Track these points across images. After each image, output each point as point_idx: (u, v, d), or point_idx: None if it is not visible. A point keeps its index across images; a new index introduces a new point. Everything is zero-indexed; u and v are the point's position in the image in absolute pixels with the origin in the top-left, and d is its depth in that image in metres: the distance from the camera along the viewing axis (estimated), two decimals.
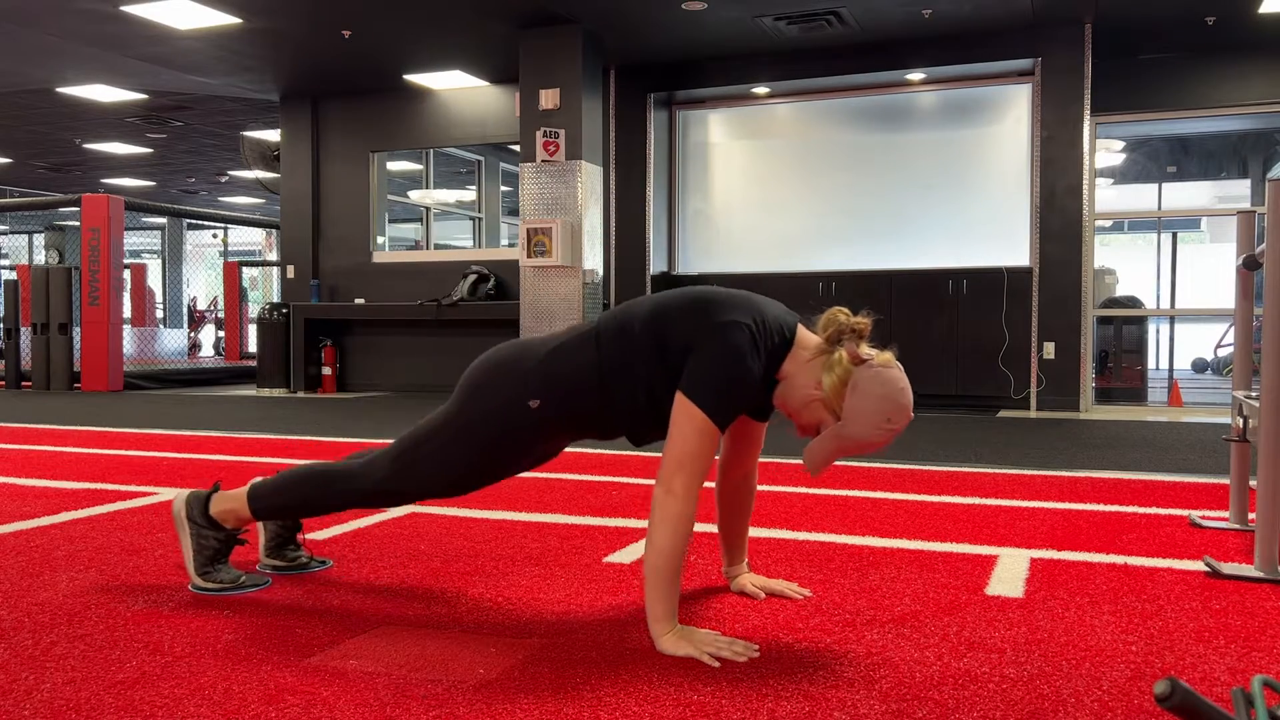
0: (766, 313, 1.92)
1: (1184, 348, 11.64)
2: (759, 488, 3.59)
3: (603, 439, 2.07)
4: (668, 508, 1.82)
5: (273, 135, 10.30)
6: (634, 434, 1.99)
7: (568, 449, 4.75)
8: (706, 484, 3.42)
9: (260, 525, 2.35)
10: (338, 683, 1.66)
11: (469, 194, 11.87)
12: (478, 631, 1.94)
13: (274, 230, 14.08)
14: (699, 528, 2.88)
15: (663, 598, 1.82)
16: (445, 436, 2.01)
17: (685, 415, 1.83)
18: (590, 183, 7.30)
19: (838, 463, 4.26)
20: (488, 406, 1.98)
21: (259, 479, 2.23)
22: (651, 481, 3.77)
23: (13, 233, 17.31)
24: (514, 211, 10.03)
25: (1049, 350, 7.14)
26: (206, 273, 19.62)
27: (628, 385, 1.92)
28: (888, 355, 1.88)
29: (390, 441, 2.11)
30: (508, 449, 2.00)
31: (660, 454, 1.85)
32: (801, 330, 1.95)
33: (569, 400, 1.95)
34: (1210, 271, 11.74)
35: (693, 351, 1.86)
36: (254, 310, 12.44)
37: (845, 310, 1.92)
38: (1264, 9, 6.42)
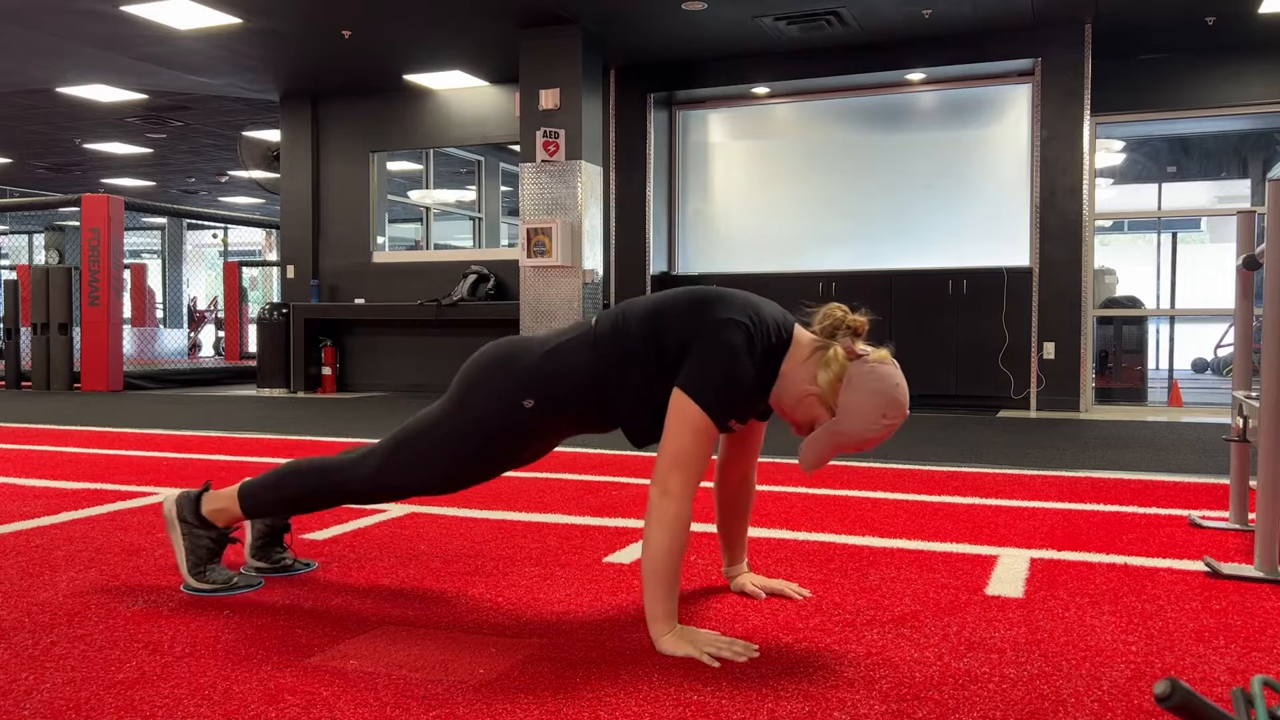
0: (764, 312, 1.92)
1: (1184, 348, 11.64)
2: (759, 488, 3.59)
3: (599, 433, 2.07)
4: (665, 509, 1.81)
5: (273, 135, 10.29)
6: (632, 434, 1.99)
7: (567, 448, 4.75)
8: (705, 484, 3.42)
9: (247, 525, 2.35)
10: (338, 683, 1.66)
11: (469, 194, 11.87)
12: (478, 631, 1.94)
13: (274, 230, 14.08)
14: (699, 528, 2.88)
15: (662, 598, 1.82)
16: (439, 433, 2.01)
17: (681, 413, 1.83)
18: (590, 183, 7.30)
19: (836, 462, 4.26)
20: (483, 405, 1.98)
21: (249, 478, 2.23)
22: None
23: (13, 233, 17.31)
24: (514, 211, 10.03)
25: (1049, 350, 7.14)
26: (206, 273, 19.62)
27: (625, 387, 1.92)
28: (884, 352, 1.88)
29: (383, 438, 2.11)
30: (501, 447, 2.00)
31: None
32: (799, 330, 1.95)
33: (564, 401, 1.96)
34: (1210, 271, 11.73)
35: (690, 349, 1.86)
36: (254, 310, 12.44)
37: (842, 306, 1.92)
38: (1264, 9, 6.42)
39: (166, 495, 2.25)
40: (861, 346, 1.87)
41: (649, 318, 1.92)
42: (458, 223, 12.49)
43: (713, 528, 2.87)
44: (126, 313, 12.40)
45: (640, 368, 1.91)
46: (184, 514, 2.21)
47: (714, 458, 1.96)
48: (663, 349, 1.89)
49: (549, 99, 7.23)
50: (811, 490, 3.57)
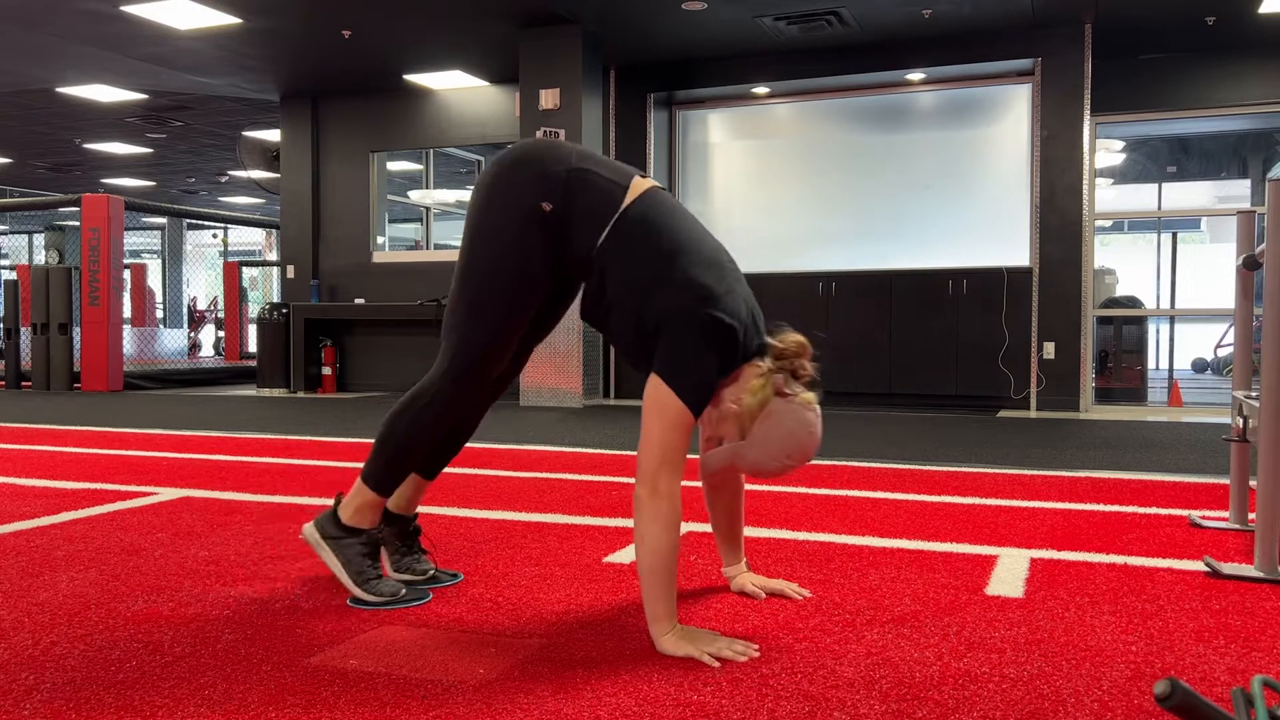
0: (745, 322, 1.91)
1: (1184, 348, 11.64)
2: (760, 488, 3.59)
3: (562, 304, 2.14)
4: (657, 507, 1.81)
5: (273, 135, 10.29)
6: (588, 306, 2.00)
7: (566, 448, 4.75)
8: (694, 483, 3.42)
9: (382, 549, 2.27)
10: (338, 683, 1.66)
11: (469, 194, 11.85)
12: (478, 631, 1.94)
13: (274, 230, 14.08)
14: (698, 528, 2.88)
15: (661, 598, 1.82)
16: (473, 280, 2.00)
17: (660, 404, 1.82)
18: None
19: (836, 462, 4.26)
20: (502, 209, 1.97)
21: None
22: None
23: (13, 233, 17.32)
24: None
25: (1049, 350, 7.14)
26: (206, 273, 19.62)
27: (601, 269, 1.94)
28: (811, 396, 1.91)
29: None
30: (520, 259, 1.97)
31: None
32: (755, 361, 1.93)
33: (568, 228, 1.95)
34: (1210, 271, 11.73)
35: (670, 330, 1.84)
36: (254, 310, 12.44)
37: (803, 342, 1.93)
38: (1264, 9, 6.42)
39: (305, 526, 2.20)
40: (794, 387, 1.89)
41: (665, 259, 1.89)
42: (458, 223, 12.49)
43: (710, 527, 2.87)
44: (126, 313, 12.41)
45: (619, 281, 1.91)
46: (326, 531, 2.15)
47: (697, 457, 1.97)
48: (648, 298, 1.88)
49: (549, 99, 7.23)
50: (811, 490, 3.58)
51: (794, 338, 1.93)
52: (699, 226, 2.00)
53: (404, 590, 2.14)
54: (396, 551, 2.29)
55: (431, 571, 2.30)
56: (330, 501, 3.33)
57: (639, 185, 1.98)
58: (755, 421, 1.88)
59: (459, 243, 12.33)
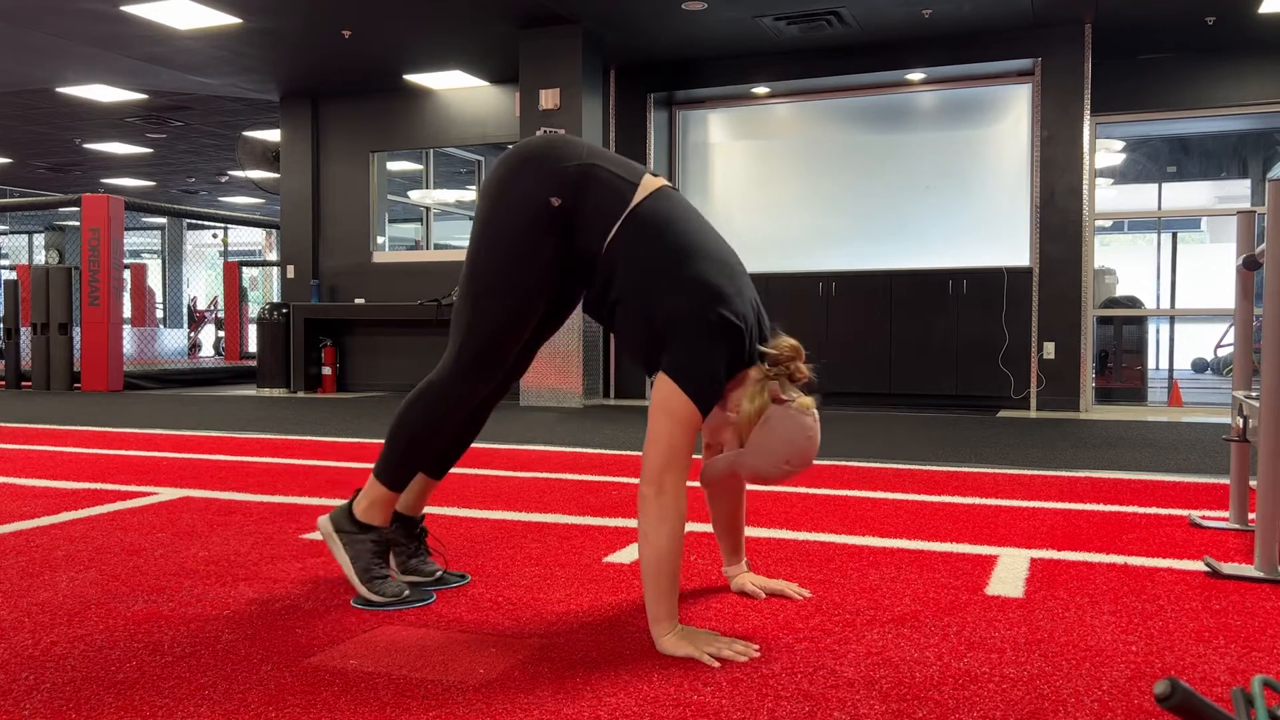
0: (752, 326, 1.91)
1: (1184, 348, 11.64)
2: (760, 487, 3.59)
3: (569, 303, 2.13)
4: (662, 507, 1.81)
5: (273, 135, 10.29)
6: (588, 299, 2.01)
7: (566, 448, 4.75)
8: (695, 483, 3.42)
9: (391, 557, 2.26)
10: (338, 683, 1.66)
11: (469, 194, 11.87)
12: (478, 631, 1.94)
13: (274, 230, 14.08)
14: (699, 528, 2.88)
15: (663, 598, 1.82)
16: (481, 277, 1.99)
17: (668, 403, 1.82)
18: None
19: (837, 462, 4.26)
20: (512, 203, 1.96)
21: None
22: None
23: (13, 233, 17.32)
24: None
25: (1049, 350, 7.14)
26: (206, 273, 19.62)
27: (608, 269, 1.93)
28: (809, 401, 1.91)
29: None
30: (528, 253, 1.96)
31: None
32: (759, 364, 1.94)
33: (576, 225, 1.95)
34: (1210, 271, 11.73)
35: (679, 331, 1.84)
36: (254, 310, 12.44)
37: (797, 347, 1.93)
38: (1264, 9, 6.42)
39: (320, 518, 2.20)
40: (791, 393, 1.89)
41: (675, 258, 1.89)
42: (458, 223, 12.49)
43: (710, 527, 2.87)
44: (126, 313, 12.41)
45: (629, 278, 1.91)
46: (340, 525, 2.14)
47: (700, 457, 1.97)
48: (657, 295, 1.87)
49: (549, 99, 7.23)
50: (811, 490, 3.57)
51: (786, 341, 1.93)
52: (709, 227, 2.00)
53: (408, 591, 2.13)
54: (403, 552, 2.29)
55: (439, 573, 2.30)
56: (336, 501, 3.33)
57: (650, 184, 1.98)
58: (753, 429, 1.88)
59: (459, 243, 12.32)
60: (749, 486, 2.01)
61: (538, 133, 7.10)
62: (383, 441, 2.19)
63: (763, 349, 1.94)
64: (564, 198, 1.94)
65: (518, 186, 1.98)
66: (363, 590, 2.11)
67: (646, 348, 1.92)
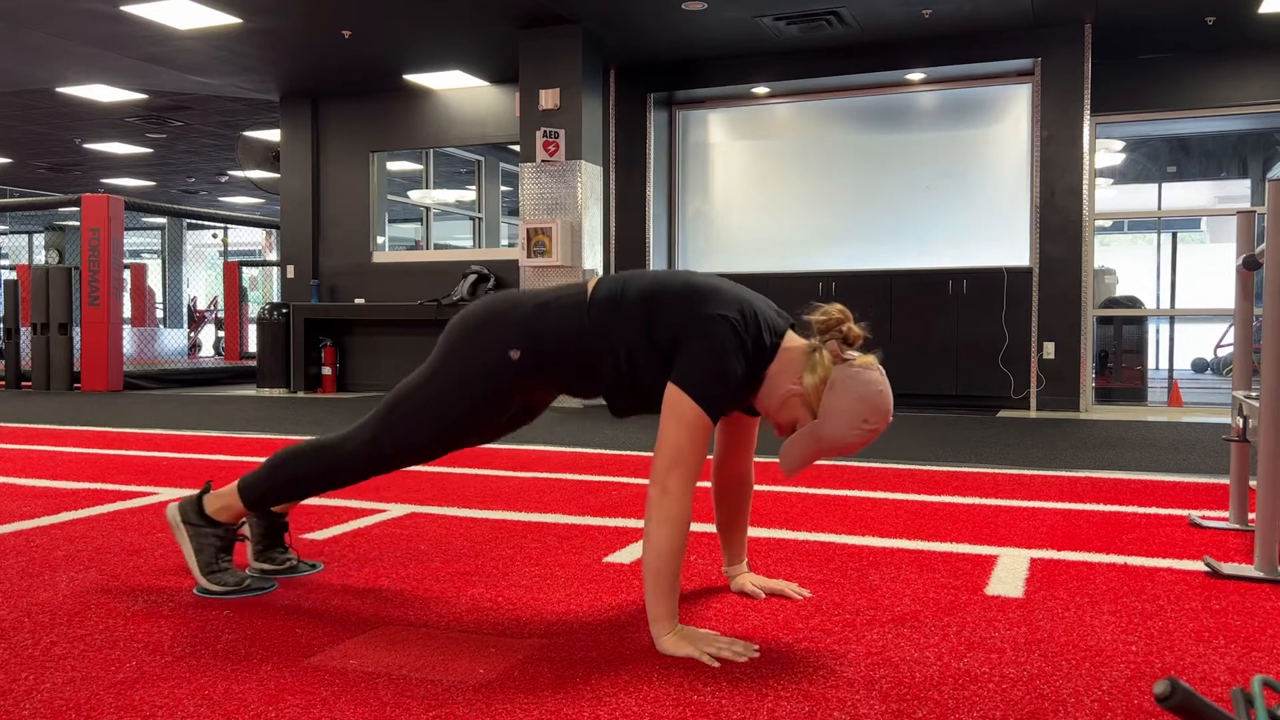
0: (757, 309, 1.92)
1: (1184, 348, 11.64)
2: (760, 487, 3.59)
3: (582, 398, 2.08)
4: (666, 508, 1.81)
5: (273, 135, 10.30)
6: (613, 405, 2.01)
7: (566, 448, 4.75)
8: (704, 483, 3.42)
9: (248, 528, 2.33)
10: (338, 683, 1.66)
11: (469, 194, 11.86)
12: (478, 631, 1.94)
13: (274, 230, 14.07)
14: (698, 527, 2.88)
15: (664, 598, 1.82)
16: (428, 393, 2.02)
17: (676, 409, 1.83)
18: (590, 183, 7.30)
19: (836, 462, 4.25)
20: (470, 356, 1.99)
21: (246, 474, 2.23)
22: None
23: (13, 233, 17.32)
24: (514, 211, 10.02)
25: (1049, 350, 7.14)
26: (206, 273, 19.62)
27: (611, 352, 1.94)
28: (870, 358, 1.89)
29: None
30: (487, 401, 2.00)
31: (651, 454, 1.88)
32: (790, 335, 1.95)
33: (551, 358, 1.97)
34: (1210, 271, 11.74)
35: (681, 344, 1.86)
36: (254, 310, 12.44)
37: (844, 309, 1.92)
38: (1264, 9, 6.42)
39: (170, 503, 2.24)
40: (850, 352, 1.88)
41: (646, 299, 1.92)
42: (458, 223, 12.49)
43: (712, 528, 2.87)
44: (126, 313, 12.41)
45: (625, 339, 1.92)
46: (188, 516, 2.21)
47: (710, 457, 1.96)
48: (653, 332, 1.90)
49: (549, 99, 7.23)
50: (811, 490, 3.57)
51: (834, 306, 1.91)
52: (666, 270, 2.03)
53: (249, 580, 2.21)
54: (260, 542, 2.34)
55: (292, 562, 2.37)
56: (336, 501, 3.33)
57: (595, 280, 2.02)
58: (822, 397, 1.86)
59: (459, 243, 12.31)
60: (824, 461, 1.98)
61: (537, 134, 7.12)
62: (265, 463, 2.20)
63: (808, 318, 1.93)
64: (522, 346, 1.97)
65: (476, 345, 2.00)
66: (203, 581, 2.19)
67: (664, 372, 1.92)
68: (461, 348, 2.01)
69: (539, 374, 1.99)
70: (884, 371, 1.89)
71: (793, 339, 1.94)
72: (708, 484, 3.39)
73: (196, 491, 2.25)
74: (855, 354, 1.89)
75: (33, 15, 6.89)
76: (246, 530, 2.34)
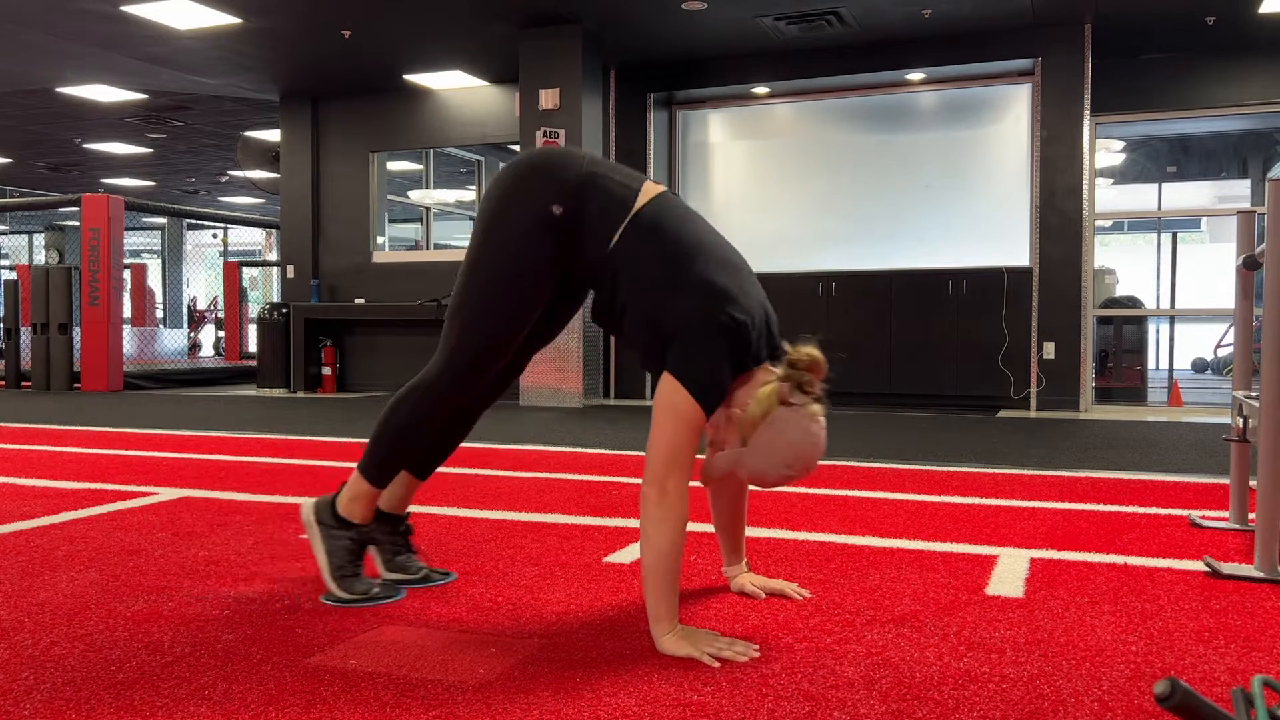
0: (769, 322, 1.92)
1: (1184, 348, 11.64)
2: (759, 487, 3.59)
3: (567, 310, 2.14)
4: (665, 508, 1.81)
5: (273, 135, 10.30)
6: (601, 311, 2.01)
7: (566, 448, 4.75)
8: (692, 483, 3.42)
9: (374, 549, 2.27)
10: (338, 683, 1.66)
11: (469, 194, 11.87)
12: (478, 631, 1.94)
13: (274, 230, 14.07)
14: (698, 528, 2.88)
15: (663, 598, 1.82)
16: (476, 284, 2.01)
17: (672, 401, 1.82)
18: None
19: (837, 462, 4.26)
20: (515, 212, 1.97)
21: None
22: None
23: (13, 233, 17.32)
24: None
25: (1049, 350, 7.14)
26: (206, 273, 19.62)
27: (610, 286, 1.95)
28: (817, 408, 1.89)
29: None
30: (528, 262, 1.97)
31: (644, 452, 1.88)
32: (766, 365, 1.93)
33: (589, 224, 1.95)
34: (1210, 271, 11.74)
35: (683, 334, 1.85)
36: (254, 310, 12.44)
37: (815, 355, 1.90)
38: (1264, 9, 6.42)
39: (303, 502, 2.20)
40: (799, 398, 1.87)
41: (679, 261, 1.89)
42: (458, 223, 12.49)
43: (710, 527, 2.87)
44: (126, 313, 12.40)
45: (629, 293, 1.92)
46: (322, 516, 2.16)
47: (700, 457, 1.96)
48: (662, 315, 1.88)
49: (549, 99, 7.23)
50: (811, 490, 3.58)
51: (809, 351, 1.90)
52: (711, 229, 2.01)
53: (377, 589, 2.15)
54: (388, 550, 2.29)
55: (424, 571, 2.31)
56: None
57: (650, 189, 1.99)
58: (758, 428, 1.87)
59: (459, 243, 12.32)
60: (750, 487, 2.00)
61: (537, 134, 7.12)
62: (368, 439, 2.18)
63: (786, 348, 1.93)
64: (565, 206, 1.95)
65: (520, 196, 1.99)
66: (331, 586, 2.14)
67: (653, 350, 1.92)
68: (505, 205, 1.99)
69: (568, 243, 1.96)
70: (824, 425, 1.89)
71: (767, 368, 1.92)
72: (697, 484, 3.39)
73: (332, 494, 2.20)
74: (805, 399, 1.87)
75: (33, 15, 6.89)
76: (374, 551, 2.27)
